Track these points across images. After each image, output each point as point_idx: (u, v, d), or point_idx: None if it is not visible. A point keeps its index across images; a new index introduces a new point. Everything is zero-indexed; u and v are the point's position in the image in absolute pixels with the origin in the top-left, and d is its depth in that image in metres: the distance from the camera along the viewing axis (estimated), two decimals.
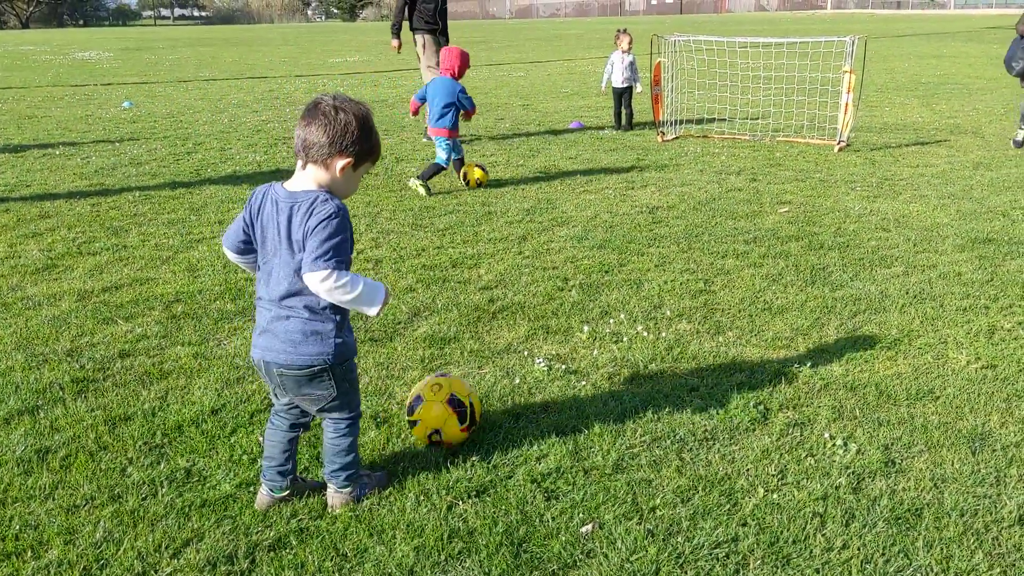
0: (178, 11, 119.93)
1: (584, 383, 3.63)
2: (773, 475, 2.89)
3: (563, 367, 3.77)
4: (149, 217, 6.68)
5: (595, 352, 4.00)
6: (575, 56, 26.13)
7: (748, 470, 2.93)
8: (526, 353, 3.97)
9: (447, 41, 10.77)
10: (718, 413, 3.33)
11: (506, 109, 13.64)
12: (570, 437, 3.15)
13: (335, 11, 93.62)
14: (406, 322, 4.39)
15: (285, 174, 8.66)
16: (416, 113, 7.97)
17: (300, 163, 2.51)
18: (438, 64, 9.63)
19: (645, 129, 11.01)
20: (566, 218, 6.65)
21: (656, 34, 10.85)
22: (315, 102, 2.47)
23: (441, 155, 7.54)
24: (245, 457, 3.02)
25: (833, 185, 7.72)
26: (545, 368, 3.76)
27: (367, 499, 2.78)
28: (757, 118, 11.46)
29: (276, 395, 2.72)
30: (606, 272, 5.27)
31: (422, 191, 7.42)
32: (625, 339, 4.16)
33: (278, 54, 28.91)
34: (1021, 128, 9.20)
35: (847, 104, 9.57)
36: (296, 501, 2.76)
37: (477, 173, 7.78)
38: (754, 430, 3.21)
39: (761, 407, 3.38)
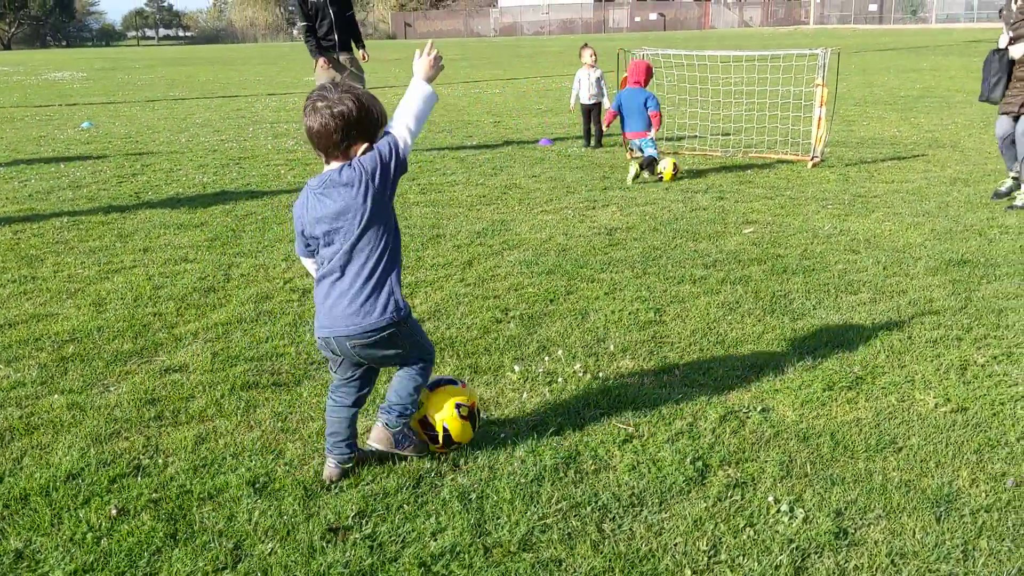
0: (163, 31, 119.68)
1: (504, 434, 3.21)
2: (704, 551, 2.47)
3: (483, 415, 3.35)
4: (71, 245, 6.24)
5: (524, 396, 3.58)
6: (554, 73, 25.82)
7: (676, 545, 2.50)
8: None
9: (359, 45, 10.25)
10: (650, 471, 2.91)
11: (476, 126, 13.27)
12: (475, 505, 2.73)
13: None
14: (321, 361, 3.96)
15: (229, 196, 8.53)
16: (610, 124, 9.17)
17: (325, 160, 2.74)
18: (331, 79, 9.74)
19: (616, 147, 10.64)
20: (518, 241, 6.25)
21: (623, 48, 10.50)
22: (311, 101, 2.65)
23: (651, 151, 8.55)
24: (89, 536, 2.58)
25: (803, 203, 7.34)
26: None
27: (404, 453, 2.93)
28: (730, 133, 11.11)
29: (341, 370, 2.91)
30: (551, 301, 4.86)
31: (646, 174, 8.44)
32: (560, 379, 3.74)
33: (254, 73, 28.54)
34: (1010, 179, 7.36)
35: (820, 118, 9.23)
36: None
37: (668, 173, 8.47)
38: (689, 492, 2.79)
39: (700, 463, 2.96)
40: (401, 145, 2.69)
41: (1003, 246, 5.80)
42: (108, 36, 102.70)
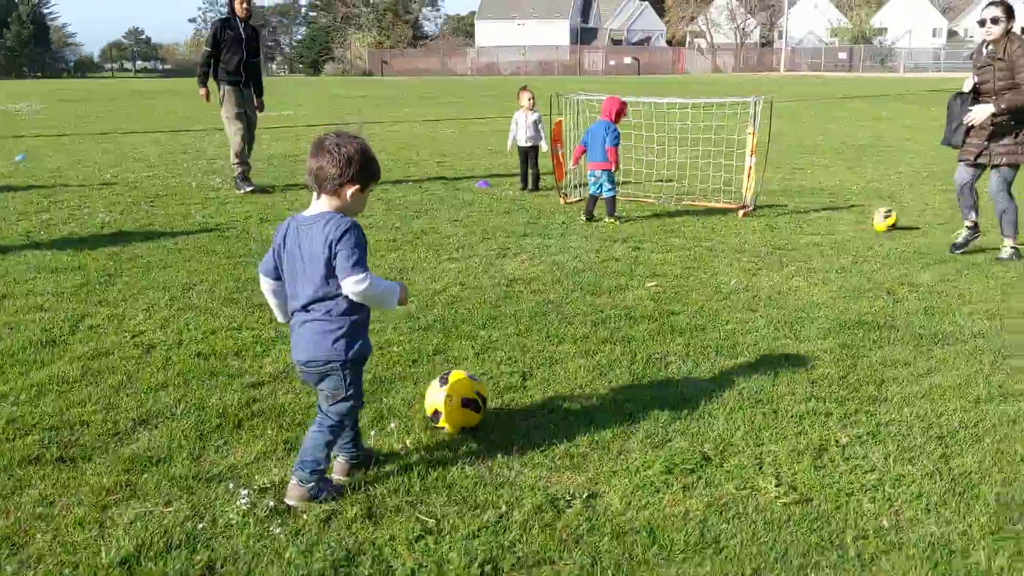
0: (141, 64, 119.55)
1: (280, 531, 2.83)
2: None
3: (269, 506, 2.98)
4: None
5: (335, 476, 3.22)
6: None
7: None
8: (238, 482, 3.16)
9: (258, 94, 10.40)
10: None
11: (420, 166, 12.99)
12: None
13: (299, 65, 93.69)
14: (125, 432, 3.59)
15: (122, 237, 8.11)
16: (578, 160, 8.84)
17: (315, 193, 2.96)
18: (236, 115, 10.11)
19: (551, 190, 10.37)
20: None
21: (556, 92, 10.31)
22: (320, 140, 2.91)
23: (608, 190, 8.48)
24: None
25: (719, 255, 7.08)
26: (246, 507, 2.96)
27: (322, 504, 2.98)
28: (670, 180, 10.89)
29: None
30: (414, 362, 4.52)
31: (618, 223, 8.40)
32: (381, 457, 3.39)
33: (216, 106, 28.24)
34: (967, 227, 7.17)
35: (750, 167, 9.03)
36: None
37: None
38: None
39: (489, 567, 2.60)
40: (358, 278, 2.85)
41: (908, 306, 5.55)
42: (85, 68, 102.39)
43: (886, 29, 78.29)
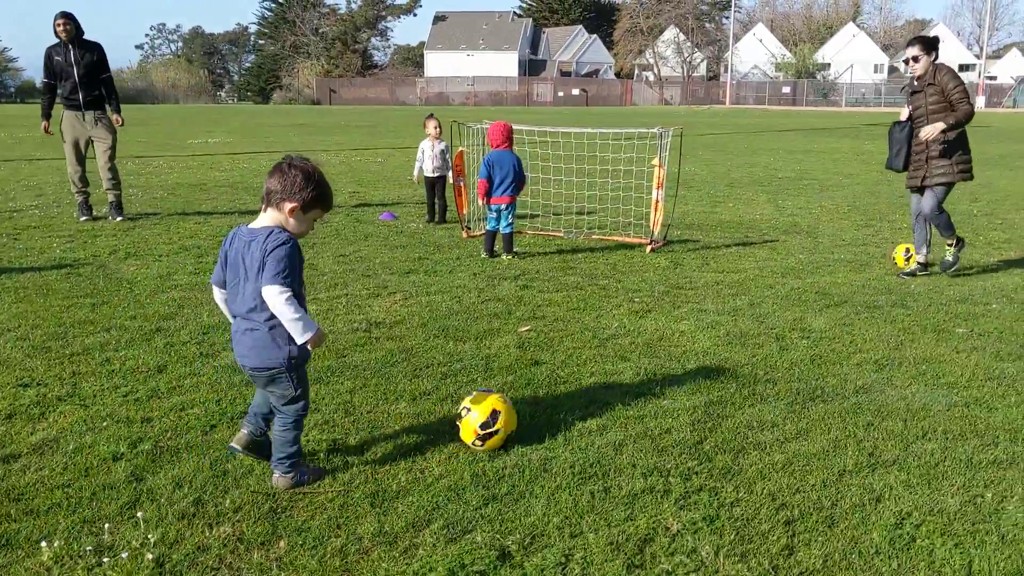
0: None
1: None
2: None
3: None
4: None
5: None
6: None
7: None
8: None
9: (115, 111, 9.93)
10: None
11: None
12: None
13: (248, 93, 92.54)
14: None
15: None
16: (484, 195, 7.97)
17: (263, 207, 3.13)
18: (72, 141, 9.63)
19: (456, 223, 9.81)
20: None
21: (455, 120, 9.82)
22: (279, 161, 3.13)
23: (508, 225, 7.94)
24: None
25: (610, 295, 6.58)
26: None
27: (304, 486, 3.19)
28: (582, 213, 10.44)
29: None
30: (212, 428, 3.89)
31: (509, 258, 7.92)
32: (107, 558, 2.76)
33: (142, 134, 27.36)
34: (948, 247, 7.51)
35: (657, 201, 8.60)
36: None
37: None
38: None
39: None
40: (276, 289, 3.00)
41: (794, 355, 5.07)
42: (25, 93, 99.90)
43: (829, 64, 79.91)
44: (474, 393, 3.74)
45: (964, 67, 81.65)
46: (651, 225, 8.70)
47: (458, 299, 6.38)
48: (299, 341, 3.07)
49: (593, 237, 9.22)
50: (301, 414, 3.27)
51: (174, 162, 17.47)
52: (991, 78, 76.09)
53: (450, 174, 10.06)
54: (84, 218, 9.82)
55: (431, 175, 10.13)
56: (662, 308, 6.20)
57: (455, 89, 78.15)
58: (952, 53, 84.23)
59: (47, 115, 9.91)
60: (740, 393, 4.37)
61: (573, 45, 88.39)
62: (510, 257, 7.97)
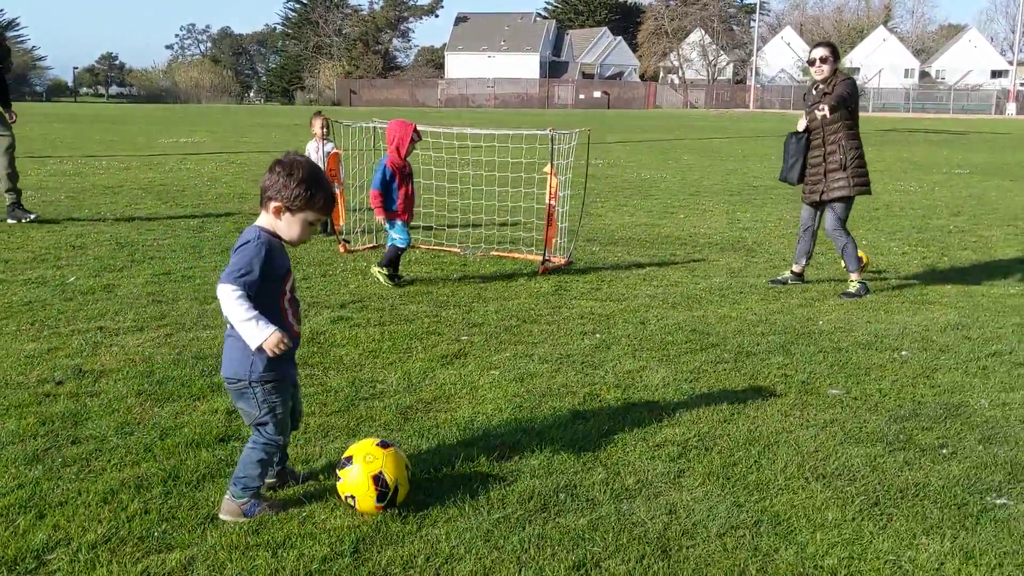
0: (117, 89, 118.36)
1: None
2: None
3: None
4: None
5: None
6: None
7: None
8: None
9: (6, 107, 9.23)
10: None
11: (242, 200, 11.34)
12: None
13: (273, 94, 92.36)
14: None
15: None
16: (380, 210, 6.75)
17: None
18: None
19: (358, 234, 8.65)
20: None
21: (335, 119, 8.72)
22: (275, 159, 2.95)
23: (397, 239, 6.70)
24: None
25: (438, 332, 5.42)
26: None
27: (255, 519, 2.94)
28: (480, 226, 9.24)
29: None
30: None
31: (382, 279, 6.66)
32: None
33: (130, 132, 26.59)
34: (796, 269, 7.22)
35: (550, 214, 7.42)
36: None
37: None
38: None
39: None
40: (224, 287, 2.78)
41: (576, 429, 3.87)
42: (58, 92, 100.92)
43: (858, 69, 77.65)
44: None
45: (997, 73, 78.94)
46: (545, 241, 7.52)
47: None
48: (251, 347, 2.78)
49: (492, 254, 8.08)
50: (270, 442, 2.97)
51: (116, 162, 16.57)
52: None
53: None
54: (31, 218, 9.06)
55: None
56: (481, 352, 5.02)
57: (474, 91, 77.26)
58: (985, 59, 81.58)
59: None
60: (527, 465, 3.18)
61: (597, 47, 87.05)
62: (380, 271, 6.74)
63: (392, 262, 6.75)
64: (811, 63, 6.88)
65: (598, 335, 5.42)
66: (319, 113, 9.21)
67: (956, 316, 6.08)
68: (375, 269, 6.77)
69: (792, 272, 7.15)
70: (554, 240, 7.58)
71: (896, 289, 7.03)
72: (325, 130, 9.02)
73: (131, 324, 5.34)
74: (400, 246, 6.73)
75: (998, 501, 3.11)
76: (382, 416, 3.96)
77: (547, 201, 7.42)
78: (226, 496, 3.00)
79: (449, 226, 9.03)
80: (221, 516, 2.97)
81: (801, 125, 6.97)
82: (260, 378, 2.89)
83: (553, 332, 5.48)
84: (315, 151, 9.01)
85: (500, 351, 5.04)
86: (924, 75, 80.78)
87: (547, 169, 7.44)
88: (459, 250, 8.26)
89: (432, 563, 2.66)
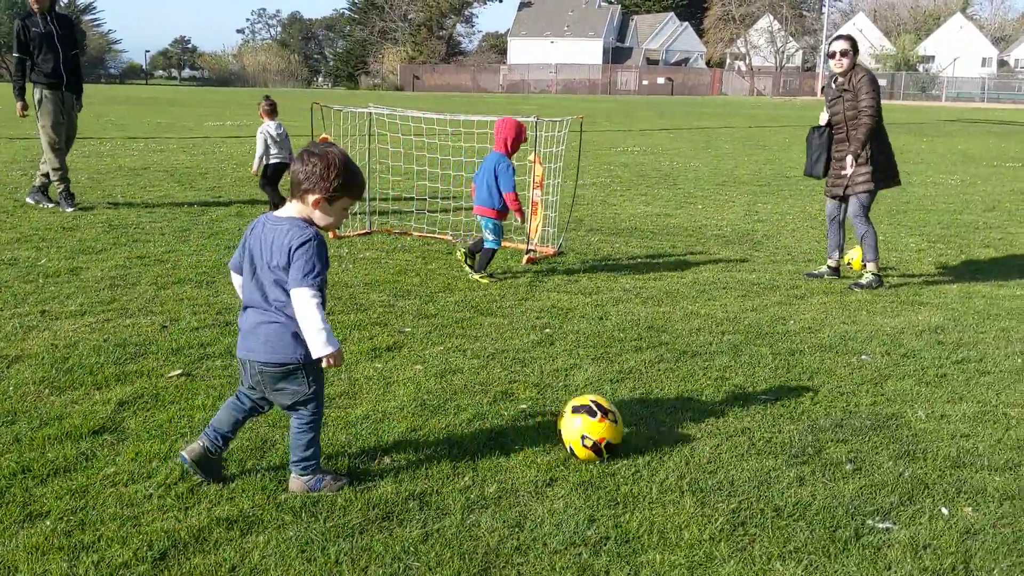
0: (189, 72, 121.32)
1: None
2: None
3: None
4: None
5: None
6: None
7: None
8: None
9: (78, 99, 9.03)
10: None
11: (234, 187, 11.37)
12: None
13: (339, 79, 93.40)
14: None
15: None
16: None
17: (290, 197, 2.99)
18: (54, 124, 8.68)
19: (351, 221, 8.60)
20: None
21: (317, 102, 8.62)
22: (305, 147, 2.98)
23: (490, 241, 6.58)
24: None
25: (370, 328, 5.31)
26: None
27: (321, 493, 3.01)
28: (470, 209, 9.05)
29: (251, 386, 3.11)
30: None
31: (485, 280, 6.48)
32: None
33: (184, 114, 27.13)
34: (831, 262, 7.11)
35: (534, 203, 7.24)
36: None
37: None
38: None
39: None
40: (308, 293, 2.83)
41: (464, 434, 3.72)
42: (132, 75, 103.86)
43: (933, 57, 74.75)
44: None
45: None
46: (528, 231, 7.34)
47: (163, 327, 5.13)
48: (318, 354, 2.87)
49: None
50: (316, 415, 3.07)
51: (154, 144, 16.89)
52: None
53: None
54: (72, 208, 8.82)
55: (274, 162, 8.88)
56: (417, 346, 4.89)
57: (536, 76, 76.81)
58: None
59: (22, 95, 8.73)
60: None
61: (663, 33, 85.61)
62: (481, 276, 6.57)
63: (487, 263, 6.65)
64: (831, 56, 6.80)
65: (547, 330, 5.24)
66: (267, 97, 9.07)
67: (940, 318, 5.72)
68: (475, 276, 6.57)
69: (828, 267, 7.05)
70: (539, 230, 7.39)
71: (892, 288, 6.67)
72: (272, 109, 8.88)
73: (75, 309, 5.34)
74: (496, 248, 6.65)
75: (880, 525, 2.86)
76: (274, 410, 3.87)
77: (532, 190, 7.24)
78: (291, 477, 3.10)
79: (442, 211, 8.90)
80: (292, 494, 3.06)
81: (823, 119, 6.92)
82: (309, 360, 2.96)
83: (503, 326, 5.32)
84: (274, 132, 8.85)
85: (436, 344, 4.91)
86: (1003, 64, 77.27)
87: (531, 157, 7.26)
88: (450, 238, 8.14)
89: (235, 575, 2.55)
